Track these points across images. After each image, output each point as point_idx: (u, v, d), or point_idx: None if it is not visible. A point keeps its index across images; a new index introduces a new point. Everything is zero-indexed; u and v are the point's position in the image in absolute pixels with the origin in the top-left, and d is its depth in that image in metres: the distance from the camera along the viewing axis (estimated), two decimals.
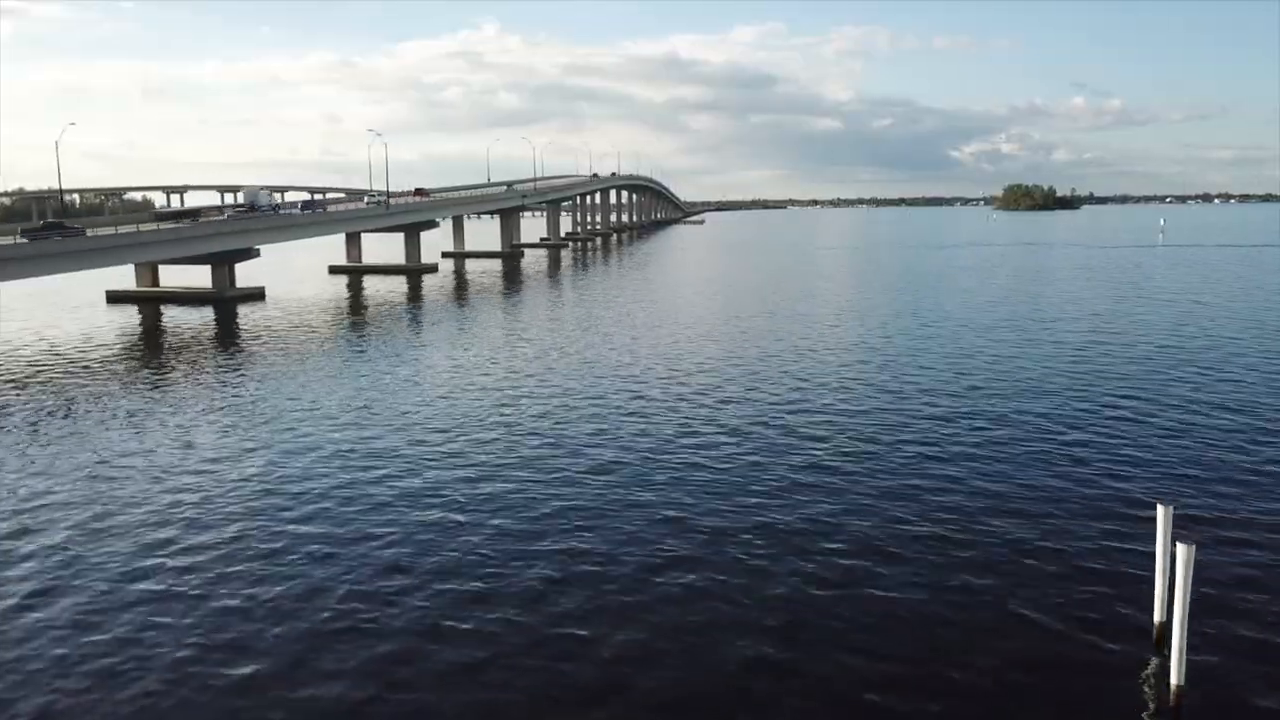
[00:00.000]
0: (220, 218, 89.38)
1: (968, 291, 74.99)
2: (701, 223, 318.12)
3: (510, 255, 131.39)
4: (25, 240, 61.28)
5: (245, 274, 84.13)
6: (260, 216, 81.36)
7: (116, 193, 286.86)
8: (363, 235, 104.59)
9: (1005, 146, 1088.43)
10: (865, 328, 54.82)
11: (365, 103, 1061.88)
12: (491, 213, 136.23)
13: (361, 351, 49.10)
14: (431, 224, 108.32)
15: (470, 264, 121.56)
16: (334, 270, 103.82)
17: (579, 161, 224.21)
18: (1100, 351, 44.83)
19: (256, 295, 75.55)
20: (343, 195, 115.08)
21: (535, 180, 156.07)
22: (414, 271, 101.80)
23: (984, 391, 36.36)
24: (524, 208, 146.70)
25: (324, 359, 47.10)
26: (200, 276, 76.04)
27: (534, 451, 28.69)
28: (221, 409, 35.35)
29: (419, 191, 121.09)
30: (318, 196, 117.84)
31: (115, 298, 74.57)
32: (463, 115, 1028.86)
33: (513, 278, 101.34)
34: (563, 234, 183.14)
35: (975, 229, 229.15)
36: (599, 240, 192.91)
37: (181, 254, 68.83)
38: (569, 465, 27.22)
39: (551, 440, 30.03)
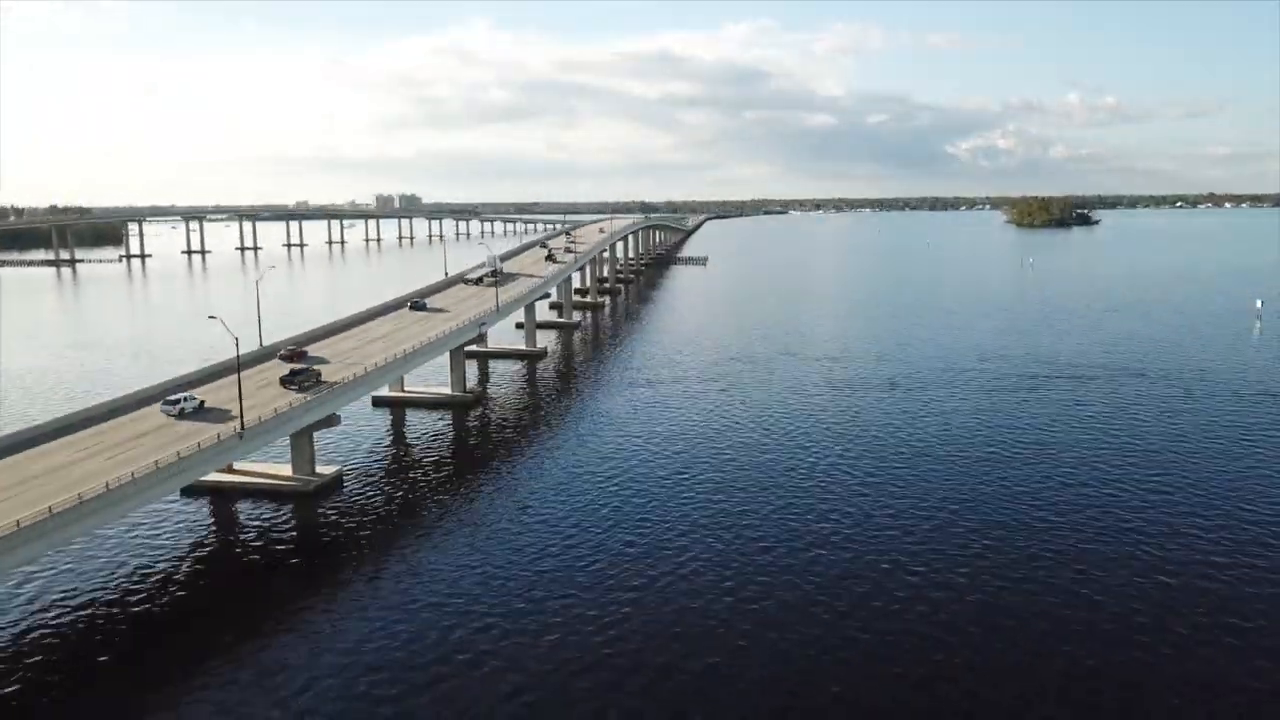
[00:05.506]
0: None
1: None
2: (704, 263, 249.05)
3: (465, 403, 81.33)
4: None
5: None
6: None
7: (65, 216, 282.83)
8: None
9: (1001, 143, 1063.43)
10: None
11: (358, 100, 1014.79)
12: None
13: None
14: (330, 421, 60.06)
15: (410, 416, 79.19)
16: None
17: (573, 187, 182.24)
18: None
19: None
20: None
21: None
22: (293, 495, 59.30)
23: None
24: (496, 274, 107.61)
25: None
26: None
27: None
28: None
29: (293, 354, 68.20)
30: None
31: None
32: (455, 111, 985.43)
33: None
34: (550, 305, 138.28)
35: (1020, 279, 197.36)
36: (593, 314, 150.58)
37: None
38: None
39: None
